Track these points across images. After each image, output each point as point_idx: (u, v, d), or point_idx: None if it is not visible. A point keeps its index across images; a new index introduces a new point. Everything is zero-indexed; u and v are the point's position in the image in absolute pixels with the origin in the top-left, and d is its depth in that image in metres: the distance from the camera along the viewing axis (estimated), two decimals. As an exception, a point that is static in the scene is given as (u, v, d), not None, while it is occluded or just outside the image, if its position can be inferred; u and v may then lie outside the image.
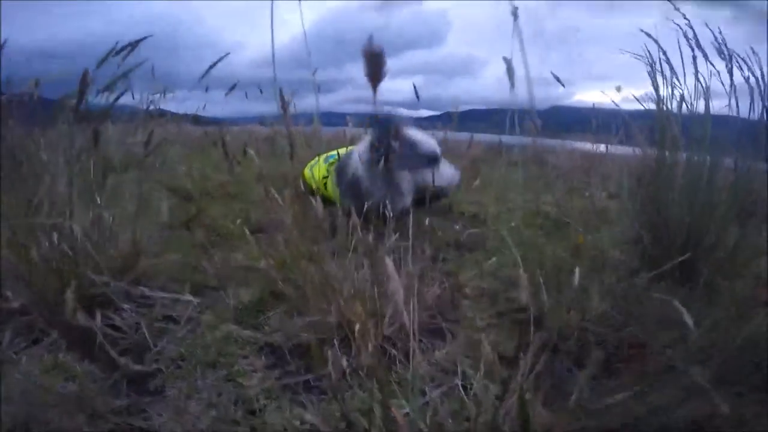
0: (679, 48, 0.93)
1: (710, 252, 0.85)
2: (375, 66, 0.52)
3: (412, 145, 1.33)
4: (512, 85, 0.59)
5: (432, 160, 1.42)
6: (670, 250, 0.86)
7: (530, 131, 1.99)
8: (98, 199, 0.88)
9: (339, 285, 0.79)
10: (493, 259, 1.06)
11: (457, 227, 1.28)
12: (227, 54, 0.63)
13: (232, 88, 1.31)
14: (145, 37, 0.62)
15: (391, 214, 0.98)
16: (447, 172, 1.43)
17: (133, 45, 0.60)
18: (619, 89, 0.99)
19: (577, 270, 0.62)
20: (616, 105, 0.99)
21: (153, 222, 1.01)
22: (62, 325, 0.68)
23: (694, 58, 0.93)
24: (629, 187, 1.03)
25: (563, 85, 1.35)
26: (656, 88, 0.97)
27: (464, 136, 2.46)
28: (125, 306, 0.79)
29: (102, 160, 0.93)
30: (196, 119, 2.79)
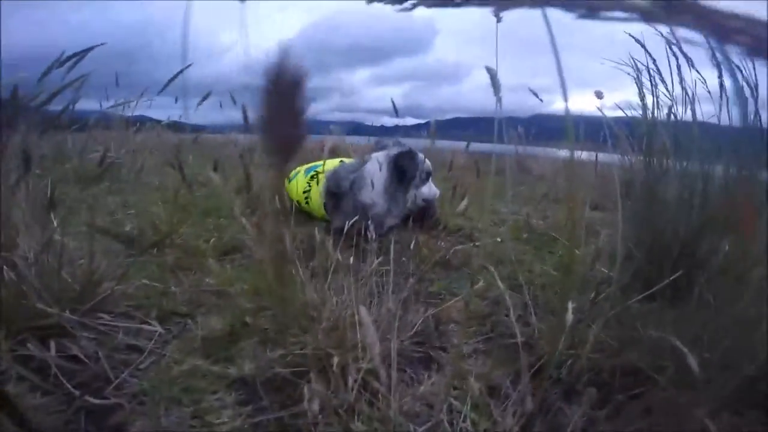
0: (667, 54, 0.91)
1: (705, 265, 0.83)
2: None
3: (420, 164, 1.35)
4: (496, 93, 0.56)
5: (429, 176, 1.41)
6: (663, 265, 0.84)
7: (513, 140, 1.97)
8: (52, 221, 0.81)
9: (317, 313, 0.74)
10: (481, 282, 1.02)
11: (443, 244, 1.24)
12: (190, 64, 0.58)
13: (206, 97, 1.25)
14: (91, 48, 0.57)
15: (374, 234, 0.94)
16: (433, 187, 1.42)
17: (80, 55, 0.54)
18: (599, 96, 0.96)
19: (570, 305, 0.57)
20: (601, 112, 0.96)
21: (116, 243, 0.94)
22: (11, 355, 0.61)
23: (679, 66, 0.92)
24: (616, 199, 1.00)
25: (539, 97, 1.34)
26: (641, 96, 0.96)
27: (446, 144, 2.45)
28: (85, 335, 0.72)
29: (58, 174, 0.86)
30: (176, 126, 2.70)
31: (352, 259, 0.86)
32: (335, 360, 0.64)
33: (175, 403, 0.60)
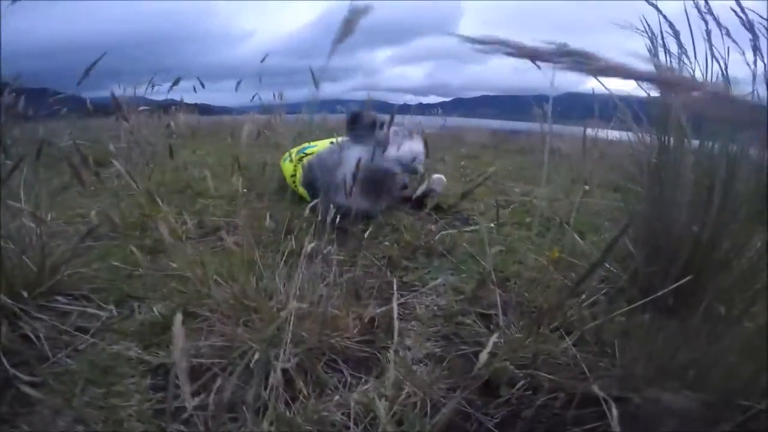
0: (687, 20, 0.73)
1: (722, 269, 0.67)
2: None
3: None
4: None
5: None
6: (669, 268, 0.69)
7: (540, 117, 1.79)
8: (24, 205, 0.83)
9: (255, 304, 0.69)
10: (463, 273, 0.92)
11: (433, 228, 1.14)
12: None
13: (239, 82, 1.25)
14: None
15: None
16: (416, 145, 1.29)
17: None
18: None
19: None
20: (607, 89, 0.80)
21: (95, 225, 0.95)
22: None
23: (708, 32, 0.73)
24: (624, 185, 0.85)
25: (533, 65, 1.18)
26: (657, 66, 0.78)
27: (473, 122, 2.29)
28: (41, 316, 0.74)
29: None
30: (205, 109, 2.78)
31: (308, 246, 0.80)
32: (255, 355, 0.60)
33: (91, 384, 0.60)
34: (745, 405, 0.48)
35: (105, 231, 1.05)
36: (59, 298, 0.77)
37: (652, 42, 0.82)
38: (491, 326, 0.73)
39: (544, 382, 0.55)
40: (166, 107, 2.44)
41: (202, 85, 2.03)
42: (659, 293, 0.60)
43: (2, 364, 0.62)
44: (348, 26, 0.37)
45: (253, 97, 1.61)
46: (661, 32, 0.79)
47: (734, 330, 0.56)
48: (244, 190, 1.46)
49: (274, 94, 2.20)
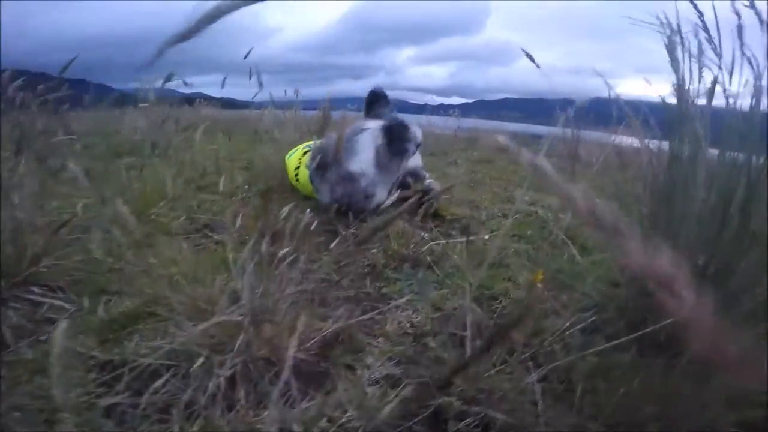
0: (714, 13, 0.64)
1: (727, 309, 0.58)
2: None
3: (413, 137, 1.25)
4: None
5: (417, 147, 1.28)
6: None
7: (564, 122, 1.68)
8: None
9: (210, 307, 0.67)
10: (446, 288, 0.86)
11: (426, 236, 1.09)
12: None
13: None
14: None
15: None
16: (417, 159, 1.28)
17: None
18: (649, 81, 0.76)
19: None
20: (616, 95, 0.72)
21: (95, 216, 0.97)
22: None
23: (740, 27, 0.63)
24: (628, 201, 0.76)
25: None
26: (675, 67, 0.68)
27: (494, 124, 2.20)
28: (16, 306, 0.75)
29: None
30: (229, 103, 2.84)
31: (284, 250, 0.77)
32: (200, 360, 0.58)
33: (38, 374, 0.59)
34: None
35: (99, 222, 1.07)
36: (34, 288, 0.78)
37: (669, 41, 0.73)
38: (463, 350, 0.67)
39: (497, 419, 0.49)
40: (191, 100, 2.51)
41: (223, 81, 2.05)
42: (649, 329, 0.53)
43: None
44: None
45: (256, 95, 1.60)
46: (679, 29, 0.69)
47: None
48: (246, 186, 1.47)
49: (286, 91, 2.21)
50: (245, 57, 1.05)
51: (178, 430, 0.49)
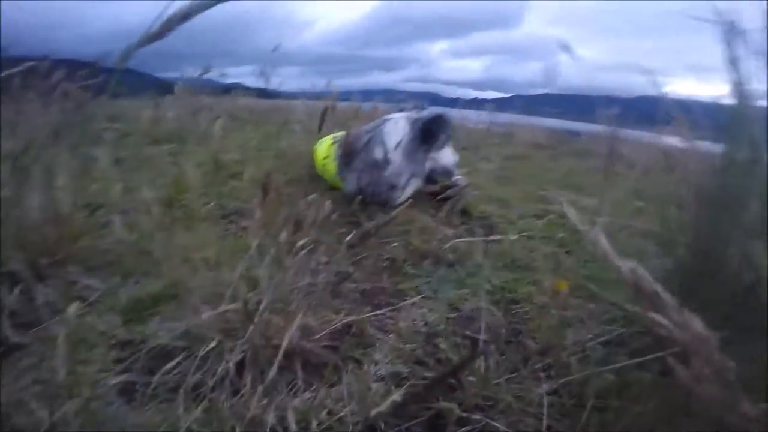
0: None
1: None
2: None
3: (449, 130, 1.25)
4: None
5: (447, 139, 1.25)
6: (705, 318, 0.55)
7: (606, 120, 1.59)
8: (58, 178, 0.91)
9: (223, 291, 0.69)
10: (466, 288, 0.83)
11: (450, 232, 1.06)
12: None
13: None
14: None
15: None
16: (449, 155, 1.25)
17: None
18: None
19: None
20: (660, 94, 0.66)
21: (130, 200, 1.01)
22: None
23: None
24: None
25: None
26: (733, 61, 0.61)
27: (532, 120, 2.11)
28: (52, 284, 0.80)
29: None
30: (266, 93, 2.89)
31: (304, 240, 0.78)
32: (212, 344, 0.59)
33: (64, 352, 0.62)
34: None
35: (133, 206, 1.12)
36: (70, 268, 0.83)
37: (728, 38, 0.65)
38: (474, 354, 0.65)
39: (498, 429, 0.47)
40: (229, 90, 2.59)
41: (258, 72, 2.09)
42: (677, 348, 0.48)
43: (2, 324, 0.68)
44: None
45: (283, 85, 1.61)
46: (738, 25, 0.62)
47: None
48: (274, 175, 1.49)
49: (314, 82, 2.23)
50: (273, 50, 1.06)
51: (183, 411, 0.50)
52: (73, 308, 0.45)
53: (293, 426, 0.46)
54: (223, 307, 0.65)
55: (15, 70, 0.90)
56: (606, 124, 1.58)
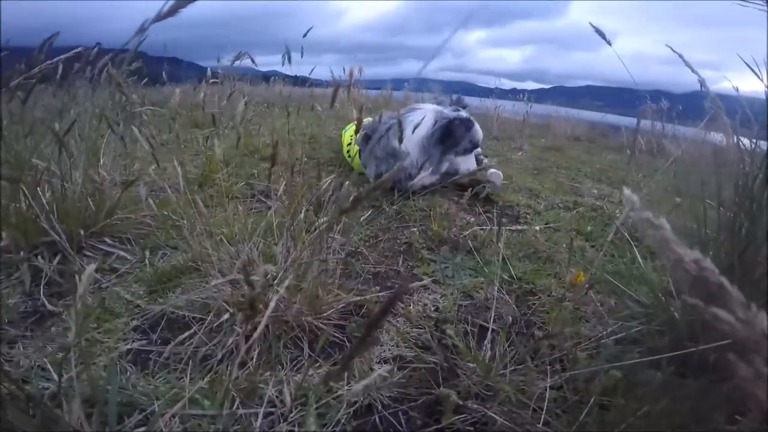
0: None
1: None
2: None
3: (472, 136, 1.23)
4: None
5: (475, 147, 1.23)
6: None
7: (650, 114, 1.50)
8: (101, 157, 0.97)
9: (244, 266, 0.71)
10: (480, 277, 0.81)
11: (471, 219, 1.03)
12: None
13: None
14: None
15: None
16: (470, 162, 1.23)
17: None
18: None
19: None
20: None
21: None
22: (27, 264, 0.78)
23: None
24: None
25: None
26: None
27: (571, 112, 2.02)
28: (90, 254, 0.86)
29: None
30: (301, 80, 2.94)
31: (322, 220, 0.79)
32: (225, 316, 0.62)
33: (90, 319, 0.67)
34: None
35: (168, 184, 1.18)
36: (107, 239, 0.89)
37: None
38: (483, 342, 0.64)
39: (495, 420, 0.45)
40: (267, 78, 2.66)
41: (289, 58, 2.11)
42: (701, 347, 0.45)
43: (40, 292, 0.73)
44: None
45: (312, 72, 1.62)
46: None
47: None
48: (305, 159, 1.52)
49: (344, 69, 2.22)
50: (304, 35, 1.07)
51: (189, 380, 0.52)
52: (86, 277, 0.47)
53: (288, 399, 0.47)
54: (234, 279, 0.68)
55: (64, 56, 0.97)
56: (650, 118, 1.48)
